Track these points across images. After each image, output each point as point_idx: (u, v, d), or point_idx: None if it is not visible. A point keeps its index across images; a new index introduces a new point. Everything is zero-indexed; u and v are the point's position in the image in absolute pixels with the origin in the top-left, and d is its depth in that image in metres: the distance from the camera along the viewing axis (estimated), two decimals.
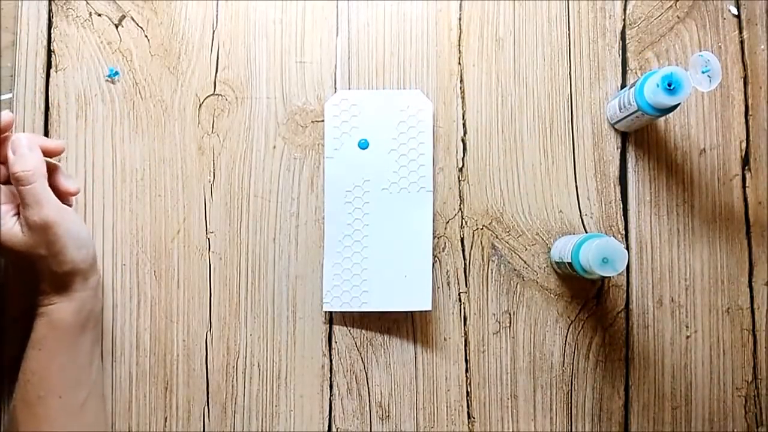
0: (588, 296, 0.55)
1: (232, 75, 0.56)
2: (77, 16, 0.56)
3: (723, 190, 0.56)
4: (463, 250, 0.55)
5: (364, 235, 0.54)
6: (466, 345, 0.55)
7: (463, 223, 0.55)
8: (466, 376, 0.55)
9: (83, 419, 0.48)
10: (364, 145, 0.54)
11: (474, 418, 0.54)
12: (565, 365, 0.55)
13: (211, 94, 0.56)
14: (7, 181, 0.47)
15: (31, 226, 0.45)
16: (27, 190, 0.45)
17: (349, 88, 0.56)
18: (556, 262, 0.53)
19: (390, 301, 0.53)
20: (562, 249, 0.52)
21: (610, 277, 0.50)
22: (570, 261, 0.50)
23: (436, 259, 0.55)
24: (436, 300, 0.55)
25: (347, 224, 0.54)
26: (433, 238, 0.55)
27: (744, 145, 0.56)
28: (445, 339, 0.55)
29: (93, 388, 0.49)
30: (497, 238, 0.55)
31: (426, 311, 0.54)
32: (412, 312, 0.55)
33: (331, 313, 0.55)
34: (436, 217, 0.55)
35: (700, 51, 0.53)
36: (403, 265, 0.53)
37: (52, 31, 0.56)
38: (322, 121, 0.55)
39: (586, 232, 0.55)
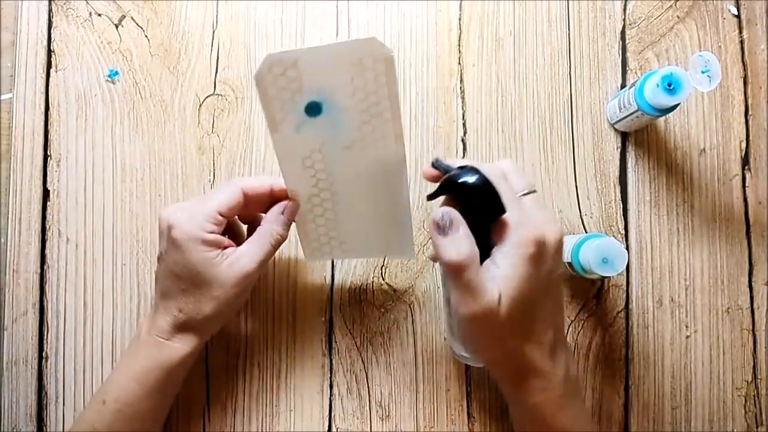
0: (588, 296, 0.55)
1: (232, 75, 0.56)
2: (77, 16, 0.56)
3: (723, 190, 0.56)
4: None
5: (332, 192, 0.48)
6: None
7: None
8: (466, 376, 0.55)
9: None
10: (314, 110, 0.44)
11: (474, 418, 0.54)
12: None
13: (211, 94, 0.56)
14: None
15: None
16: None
17: None
18: None
19: (372, 249, 0.51)
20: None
21: (610, 277, 0.49)
22: (570, 261, 0.50)
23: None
24: (435, 301, 0.55)
25: (312, 186, 0.47)
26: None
27: (744, 145, 0.56)
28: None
29: None
30: None
31: (410, 260, 0.54)
32: (412, 312, 0.55)
33: (331, 313, 0.55)
34: None
35: (700, 51, 0.54)
36: (382, 218, 0.49)
37: (52, 31, 0.56)
38: None
39: (586, 232, 0.55)
